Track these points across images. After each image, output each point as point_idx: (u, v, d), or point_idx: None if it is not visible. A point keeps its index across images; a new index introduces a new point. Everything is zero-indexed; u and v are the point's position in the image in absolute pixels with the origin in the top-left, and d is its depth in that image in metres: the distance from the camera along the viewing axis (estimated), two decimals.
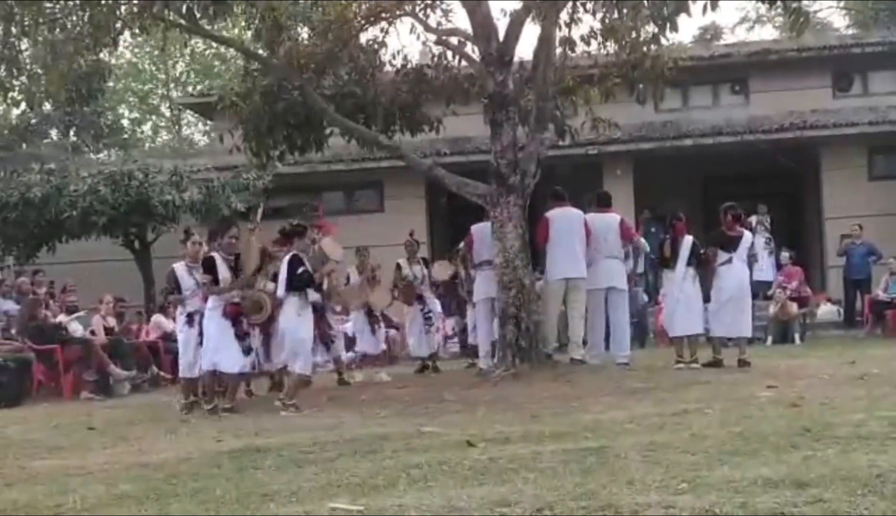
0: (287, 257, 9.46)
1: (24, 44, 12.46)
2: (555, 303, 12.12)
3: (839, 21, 36.86)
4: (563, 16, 12.18)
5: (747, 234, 12.24)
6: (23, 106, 14.14)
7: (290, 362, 9.57)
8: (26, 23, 11.79)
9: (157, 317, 15.29)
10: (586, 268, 11.83)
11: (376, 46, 13.25)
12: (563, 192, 12.18)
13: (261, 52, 12.90)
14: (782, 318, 16.27)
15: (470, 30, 12.33)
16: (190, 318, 9.94)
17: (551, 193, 12.23)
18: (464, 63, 13.16)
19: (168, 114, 40.33)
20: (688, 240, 11.80)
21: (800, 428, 6.50)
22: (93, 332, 13.80)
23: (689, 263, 11.72)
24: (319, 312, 10.51)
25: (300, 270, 9.32)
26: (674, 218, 12.13)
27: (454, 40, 13.05)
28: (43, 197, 16.86)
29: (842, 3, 37.06)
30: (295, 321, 9.38)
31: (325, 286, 10.60)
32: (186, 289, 9.97)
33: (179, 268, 10.15)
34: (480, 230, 12.11)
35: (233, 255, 9.67)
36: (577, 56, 12.93)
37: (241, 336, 9.48)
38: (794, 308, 16.38)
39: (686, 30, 37.51)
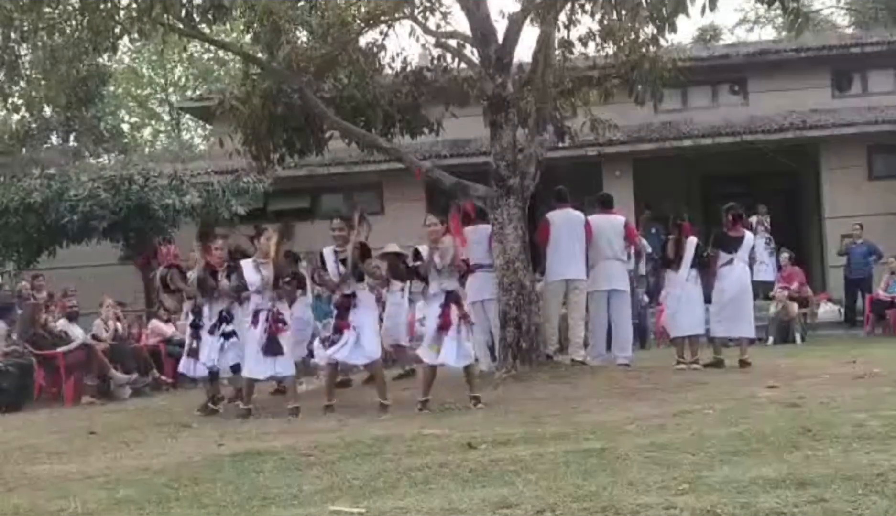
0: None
1: (24, 49, 12.47)
2: (555, 305, 12.11)
3: (841, 20, 36.86)
4: (562, 17, 12.18)
5: (748, 235, 12.25)
6: (23, 111, 14.13)
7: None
8: (25, 28, 11.79)
9: (155, 322, 15.27)
10: (588, 270, 11.84)
11: (375, 49, 13.24)
12: (566, 193, 12.18)
13: (260, 55, 12.90)
14: (783, 318, 16.26)
15: (469, 32, 12.34)
16: (255, 316, 9.61)
17: (554, 193, 12.23)
18: (463, 65, 13.16)
19: (167, 118, 40.37)
20: (692, 240, 11.82)
21: (800, 427, 6.50)
22: (94, 336, 13.81)
23: (692, 264, 11.74)
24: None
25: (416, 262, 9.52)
26: (678, 219, 12.14)
27: (453, 43, 13.04)
28: (43, 201, 16.86)
29: (842, 3, 37.06)
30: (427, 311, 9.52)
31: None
32: (252, 285, 9.62)
33: (247, 264, 9.80)
34: (471, 233, 12.09)
35: (343, 250, 9.54)
36: (575, 58, 12.93)
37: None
38: (794, 308, 16.38)
39: (685, 31, 37.49)
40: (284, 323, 9.66)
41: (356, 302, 9.44)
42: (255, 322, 9.56)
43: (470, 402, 9.22)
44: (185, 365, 10.57)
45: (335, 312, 9.53)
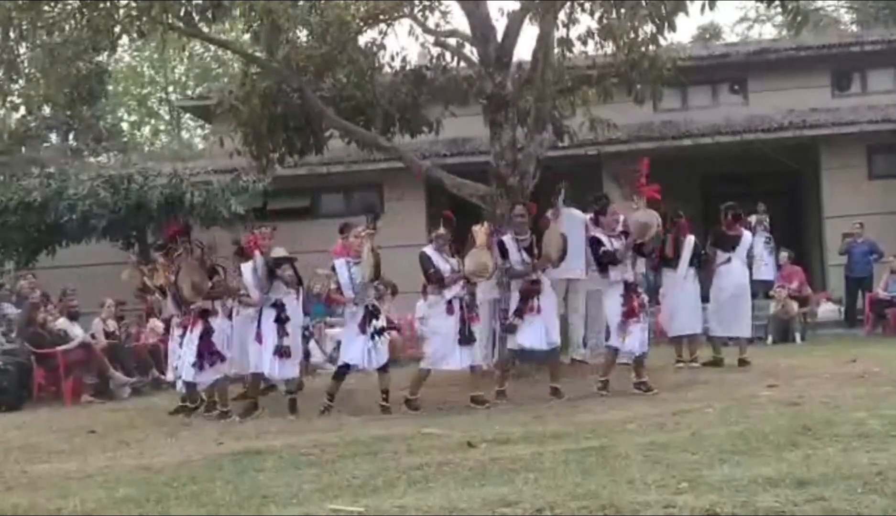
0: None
1: (23, 48, 12.47)
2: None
3: (846, 16, 36.78)
4: (561, 16, 12.18)
5: (747, 234, 12.23)
6: (22, 110, 14.14)
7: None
8: (25, 27, 11.79)
9: (154, 322, 15.20)
10: (587, 269, 11.80)
11: (375, 48, 13.25)
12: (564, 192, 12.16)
13: (259, 54, 12.90)
14: (783, 317, 16.24)
15: (468, 31, 12.35)
16: (450, 305, 9.44)
17: (555, 192, 12.20)
18: (462, 64, 13.16)
19: (167, 117, 40.36)
20: (690, 239, 11.80)
21: (800, 426, 6.51)
22: (93, 336, 13.80)
23: (690, 263, 11.72)
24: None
25: (601, 250, 9.69)
26: (675, 217, 12.12)
27: (453, 42, 13.06)
28: (43, 200, 16.85)
29: (843, 1, 37.03)
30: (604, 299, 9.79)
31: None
32: (443, 272, 9.44)
33: (432, 252, 9.60)
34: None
35: (525, 237, 9.68)
36: (575, 57, 12.92)
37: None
38: (794, 307, 16.35)
39: (685, 29, 37.37)
40: (477, 312, 9.77)
41: (542, 287, 9.61)
42: (449, 311, 9.46)
43: (638, 388, 9.60)
44: (269, 365, 9.57)
45: (518, 298, 9.56)
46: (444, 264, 9.52)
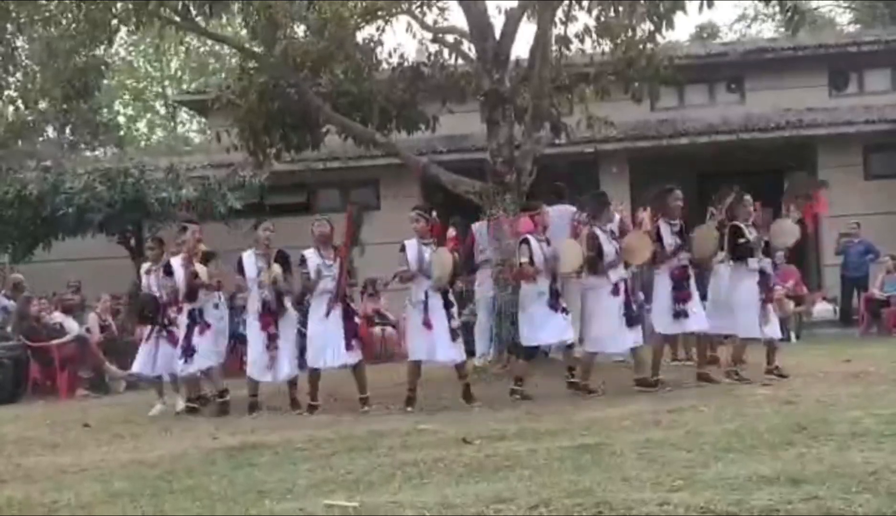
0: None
1: (21, 41, 12.46)
2: None
3: (842, 17, 36.85)
4: (559, 13, 12.18)
5: None
6: (18, 103, 14.12)
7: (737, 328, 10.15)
8: (22, 20, 11.78)
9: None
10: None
11: (372, 44, 13.24)
12: (563, 189, 12.16)
13: (257, 50, 12.89)
14: (779, 316, 16.25)
15: (466, 28, 12.35)
16: (615, 287, 9.57)
17: (552, 190, 12.21)
18: (460, 61, 13.16)
19: (163, 111, 40.30)
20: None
21: (795, 425, 6.51)
22: (88, 330, 13.79)
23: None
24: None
25: (741, 240, 9.92)
26: None
27: (450, 38, 13.04)
28: (39, 194, 16.82)
29: (841, 1, 37.06)
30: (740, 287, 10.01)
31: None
32: (608, 255, 9.56)
33: (600, 232, 9.71)
34: (482, 228, 12.08)
35: (677, 222, 9.91)
36: (572, 54, 12.92)
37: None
38: (790, 305, 16.38)
39: (682, 28, 37.41)
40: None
41: (690, 272, 9.82)
42: (615, 292, 9.57)
43: (771, 373, 10.05)
44: (446, 350, 9.27)
45: (672, 285, 9.73)
46: (608, 246, 9.66)
